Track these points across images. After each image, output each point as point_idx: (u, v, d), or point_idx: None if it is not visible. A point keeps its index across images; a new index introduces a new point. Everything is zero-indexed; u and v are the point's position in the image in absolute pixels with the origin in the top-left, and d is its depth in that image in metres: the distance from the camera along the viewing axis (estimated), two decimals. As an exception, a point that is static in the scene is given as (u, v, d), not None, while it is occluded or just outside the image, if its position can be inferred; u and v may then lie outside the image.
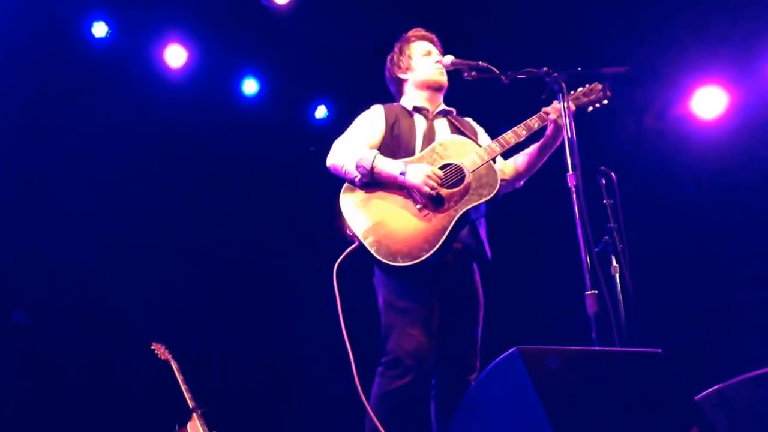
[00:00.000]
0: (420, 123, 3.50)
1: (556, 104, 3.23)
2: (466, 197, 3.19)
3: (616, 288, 3.49)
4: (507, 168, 3.55)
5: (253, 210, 6.35)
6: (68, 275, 5.49)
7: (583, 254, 2.77)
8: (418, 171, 3.18)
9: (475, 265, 3.41)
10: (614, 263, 3.55)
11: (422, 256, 3.07)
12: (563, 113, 3.01)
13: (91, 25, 5.58)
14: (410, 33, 3.70)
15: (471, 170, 3.23)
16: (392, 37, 3.74)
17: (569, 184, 2.89)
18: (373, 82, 4.03)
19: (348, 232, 3.22)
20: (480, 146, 3.35)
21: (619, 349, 2.97)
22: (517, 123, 3.36)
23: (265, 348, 6.19)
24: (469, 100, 3.78)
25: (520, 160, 3.53)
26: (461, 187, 3.20)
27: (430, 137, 3.43)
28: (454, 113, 3.62)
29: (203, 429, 4.75)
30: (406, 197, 3.22)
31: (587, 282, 2.74)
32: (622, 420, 2.26)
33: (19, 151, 5.46)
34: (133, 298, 5.62)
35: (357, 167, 3.24)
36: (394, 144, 3.40)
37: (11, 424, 5.16)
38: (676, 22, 5.34)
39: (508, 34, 5.69)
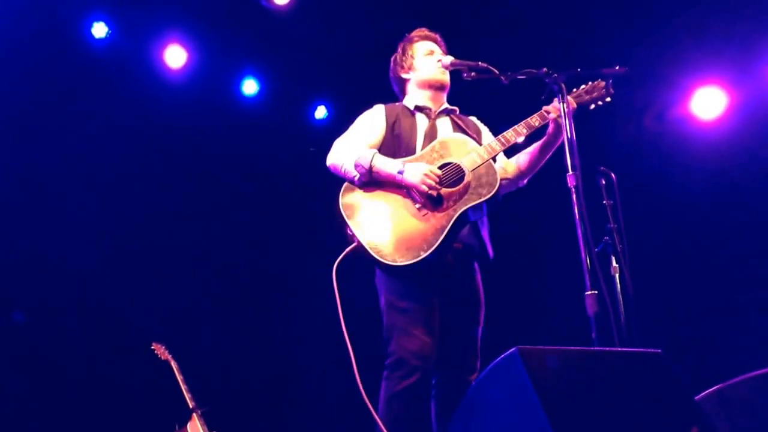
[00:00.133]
0: (422, 122, 3.50)
1: (556, 103, 3.23)
2: (466, 197, 3.19)
3: (616, 288, 3.49)
4: (509, 166, 3.54)
5: (253, 210, 6.35)
6: (68, 275, 5.50)
7: (583, 254, 2.77)
8: (416, 170, 3.18)
9: (476, 265, 3.41)
10: (614, 263, 3.55)
11: (421, 255, 3.07)
12: (563, 114, 3.02)
13: (91, 26, 5.59)
14: (413, 33, 3.70)
15: (470, 169, 3.22)
16: (392, 38, 3.74)
17: (569, 185, 2.89)
18: (373, 82, 4.03)
19: (348, 231, 3.22)
20: (481, 145, 3.35)
21: (619, 349, 2.97)
22: (517, 122, 3.36)
23: (265, 348, 6.19)
24: (469, 99, 3.78)
25: (523, 158, 3.52)
26: (460, 186, 3.20)
27: (431, 136, 3.43)
28: (457, 112, 3.62)
29: (203, 429, 4.75)
30: (405, 197, 3.22)
31: (587, 282, 2.74)
32: (622, 420, 2.26)
33: (19, 151, 5.46)
34: (133, 298, 5.63)
35: (356, 167, 3.25)
36: (395, 143, 3.40)
37: (11, 424, 5.16)
38: (675, 23, 5.34)
39: (508, 34, 5.69)
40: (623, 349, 3.00)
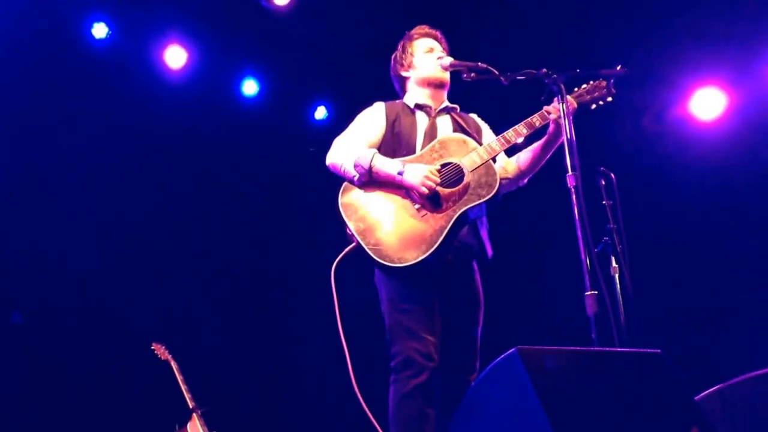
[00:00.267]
0: (422, 120, 3.49)
1: (556, 103, 3.22)
2: (465, 197, 3.18)
3: (615, 288, 3.49)
4: (510, 166, 3.53)
5: (253, 210, 6.36)
6: (68, 275, 5.50)
7: (582, 255, 2.77)
8: (416, 171, 3.18)
9: (475, 265, 3.41)
10: (614, 264, 3.55)
11: (420, 257, 3.06)
12: (562, 114, 3.01)
13: (91, 26, 5.59)
14: (414, 30, 3.68)
15: (470, 170, 3.22)
16: (392, 38, 3.74)
17: (569, 185, 2.88)
18: (372, 82, 4.03)
19: (347, 231, 3.22)
20: (481, 144, 3.35)
21: (619, 349, 2.97)
22: (517, 122, 3.36)
23: (264, 348, 6.20)
24: (469, 99, 3.78)
25: (523, 157, 3.50)
26: (460, 186, 3.20)
27: (431, 134, 3.42)
28: (458, 110, 3.61)
29: (203, 429, 4.75)
30: (404, 197, 3.22)
31: (587, 282, 2.74)
32: (622, 420, 2.26)
33: (19, 151, 5.47)
34: (133, 298, 5.63)
35: (355, 167, 3.25)
36: (395, 142, 3.39)
37: (11, 424, 5.16)
38: (675, 23, 5.34)
39: (508, 34, 5.70)
40: (623, 349, 3.00)
